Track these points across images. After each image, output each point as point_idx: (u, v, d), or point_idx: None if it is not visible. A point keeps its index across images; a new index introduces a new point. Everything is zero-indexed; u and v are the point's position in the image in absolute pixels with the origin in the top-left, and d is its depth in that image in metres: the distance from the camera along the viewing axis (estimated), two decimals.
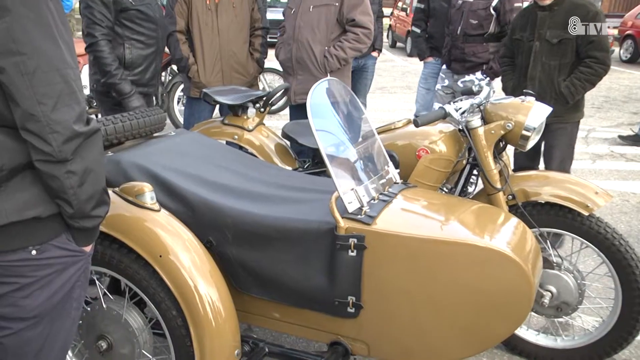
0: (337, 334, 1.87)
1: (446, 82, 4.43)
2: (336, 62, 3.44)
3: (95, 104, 3.21)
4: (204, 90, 3.23)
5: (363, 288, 1.76)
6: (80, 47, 3.38)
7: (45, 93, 1.13)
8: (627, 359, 2.56)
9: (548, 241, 2.41)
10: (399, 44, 16.21)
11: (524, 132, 2.33)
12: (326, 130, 1.89)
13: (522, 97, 2.42)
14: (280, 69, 4.10)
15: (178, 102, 6.27)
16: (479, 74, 4.12)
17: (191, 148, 2.27)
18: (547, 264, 2.37)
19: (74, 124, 1.16)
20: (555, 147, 3.27)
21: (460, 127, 2.42)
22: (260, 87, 5.78)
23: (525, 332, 2.55)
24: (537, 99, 2.33)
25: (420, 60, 5.06)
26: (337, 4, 3.40)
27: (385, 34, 15.07)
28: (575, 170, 5.32)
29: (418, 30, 4.94)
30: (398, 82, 10.56)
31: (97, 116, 3.22)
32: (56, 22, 1.17)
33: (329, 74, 3.45)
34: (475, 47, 4.07)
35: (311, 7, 3.44)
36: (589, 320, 2.70)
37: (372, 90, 9.29)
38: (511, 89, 3.42)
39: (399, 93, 9.42)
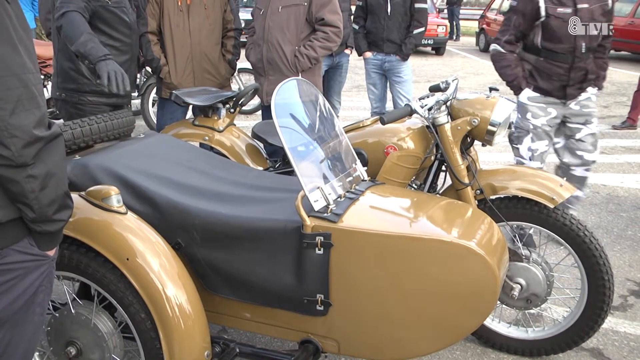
0: (307, 332, 1.89)
1: None
2: (307, 61, 3.45)
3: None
4: (174, 91, 3.19)
5: (331, 285, 1.78)
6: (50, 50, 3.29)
7: (3, 98, 1.12)
8: (595, 347, 2.61)
9: (517, 234, 2.45)
10: None
11: (490, 128, 2.36)
12: (292, 128, 1.90)
13: (487, 93, 2.46)
14: None
15: (153, 105, 6.22)
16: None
17: (160, 150, 2.26)
18: (516, 256, 2.41)
19: (34, 129, 1.15)
20: None
21: (427, 123, 2.45)
22: (235, 87, 5.78)
23: (497, 325, 2.58)
24: None
25: (359, 55, 5.23)
26: (305, 3, 3.41)
27: None
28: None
29: (356, 27, 5.14)
30: None
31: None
32: (15, 26, 1.15)
33: (300, 74, 3.45)
34: None
35: (280, 7, 3.44)
36: (559, 311, 2.75)
37: (348, 89, 9.36)
38: None
39: None
